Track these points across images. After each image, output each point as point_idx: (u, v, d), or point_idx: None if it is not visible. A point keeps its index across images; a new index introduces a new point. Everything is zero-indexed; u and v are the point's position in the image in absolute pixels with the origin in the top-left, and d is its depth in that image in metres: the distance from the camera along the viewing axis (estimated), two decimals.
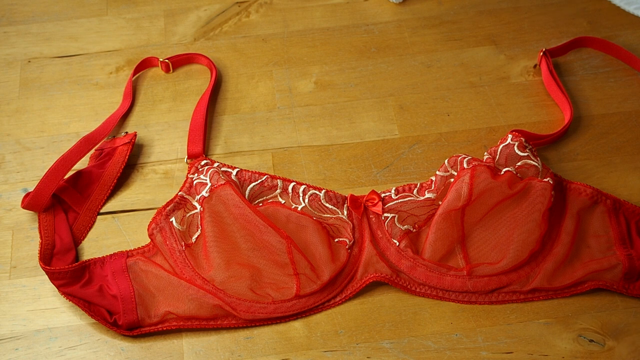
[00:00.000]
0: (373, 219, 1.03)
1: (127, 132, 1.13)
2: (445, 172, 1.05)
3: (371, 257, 1.00)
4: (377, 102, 1.18)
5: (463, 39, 1.25)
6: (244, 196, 1.02)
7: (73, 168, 1.07)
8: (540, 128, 1.14)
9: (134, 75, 1.20)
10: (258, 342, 0.97)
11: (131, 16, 1.29)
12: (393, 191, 1.05)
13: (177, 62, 1.22)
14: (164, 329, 0.97)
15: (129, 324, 0.96)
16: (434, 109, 1.17)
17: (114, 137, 1.12)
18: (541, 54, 1.20)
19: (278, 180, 1.05)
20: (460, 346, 0.96)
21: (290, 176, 1.10)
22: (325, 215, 1.03)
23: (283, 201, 1.04)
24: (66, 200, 1.05)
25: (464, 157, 1.03)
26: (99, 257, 1.00)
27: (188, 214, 1.03)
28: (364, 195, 1.04)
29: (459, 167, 1.03)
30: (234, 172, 1.05)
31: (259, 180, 1.05)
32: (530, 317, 0.98)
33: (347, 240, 1.01)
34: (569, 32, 1.25)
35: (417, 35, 1.26)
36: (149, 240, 1.03)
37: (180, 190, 1.04)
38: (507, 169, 1.02)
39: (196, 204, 1.03)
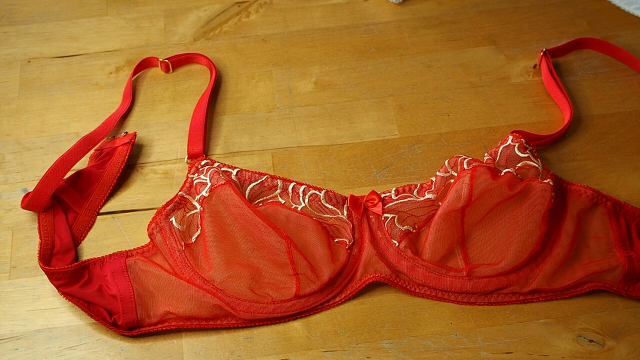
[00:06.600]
0: (373, 220, 1.03)
1: (127, 132, 1.13)
2: (445, 172, 1.05)
3: (371, 258, 1.00)
4: (377, 102, 1.18)
5: (463, 39, 1.25)
6: (244, 196, 1.02)
7: (73, 168, 1.07)
8: (540, 128, 1.14)
9: (133, 75, 1.20)
10: (258, 342, 0.97)
11: (131, 16, 1.29)
12: (393, 192, 1.05)
13: (177, 62, 1.22)
14: (164, 328, 0.97)
15: (128, 323, 0.96)
16: (434, 109, 1.17)
17: (114, 137, 1.12)
18: (541, 54, 1.20)
19: (278, 180, 1.05)
20: (459, 346, 0.96)
21: (290, 176, 1.10)
22: (325, 216, 1.03)
23: (283, 201, 1.04)
24: (66, 201, 1.05)
25: (464, 158, 1.03)
26: (98, 257, 1.00)
27: (188, 214, 1.03)
28: (364, 196, 1.04)
29: (459, 167, 1.03)
30: (234, 172, 1.05)
31: (259, 180, 1.05)
32: (530, 318, 0.99)
33: (347, 241, 1.01)
34: (569, 33, 1.25)
35: (417, 35, 1.26)
36: (148, 240, 1.03)
37: (180, 190, 1.04)
38: (507, 170, 1.02)
39: (196, 203, 1.03)
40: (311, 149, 1.13)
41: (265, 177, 1.05)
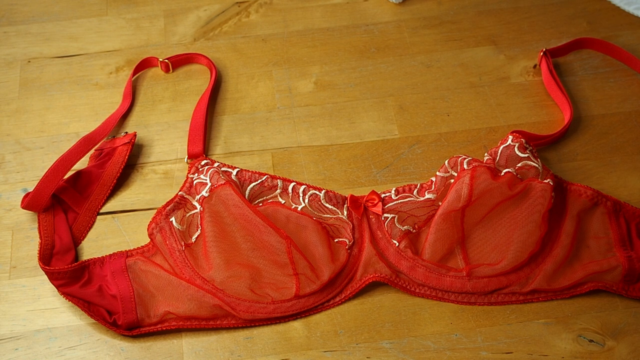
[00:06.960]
0: (373, 220, 1.03)
1: (127, 132, 1.13)
2: (445, 172, 1.05)
3: (371, 258, 1.00)
4: (377, 102, 1.18)
5: (463, 39, 1.25)
6: (244, 196, 1.02)
7: (73, 168, 1.07)
8: (540, 128, 1.14)
9: (133, 76, 1.20)
10: (258, 342, 0.97)
11: (131, 16, 1.29)
12: (393, 192, 1.05)
13: (177, 62, 1.22)
14: (164, 328, 0.97)
15: (128, 324, 0.96)
16: (434, 109, 1.17)
17: (114, 137, 1.12)
18: (541, 54, 1.20)
19: (278, 180, 1.05)
20: (459, 346, 0.96)
21: (290, 176, 1.10)
22: (325, 216, 1.03)
23: (283, 201, 1.04)
24: (66, 201, 1.05)
25: (464, 158, 1.03)
26: (98, 257, 1.00)
27: (188, 214, 1.03)
28: (364, 196, 1.04)
29: (459, 167, 1.03)
30: (234, 172, 1.05)
31: (259, 180, 1.05)
32: (530, 317, 0.98)
33: (347, 241, 1.01)
34: (569, 33, 1.25)
35: (417, 36, 1.26)
36: (148, 240, 1.03)
37: (180, 190, 1.04)
38: (507, 170, 1.02)
39: (196, 203, 1.03)
40: (311, 149, 1.13)
41: (265, 177, 1.05)
